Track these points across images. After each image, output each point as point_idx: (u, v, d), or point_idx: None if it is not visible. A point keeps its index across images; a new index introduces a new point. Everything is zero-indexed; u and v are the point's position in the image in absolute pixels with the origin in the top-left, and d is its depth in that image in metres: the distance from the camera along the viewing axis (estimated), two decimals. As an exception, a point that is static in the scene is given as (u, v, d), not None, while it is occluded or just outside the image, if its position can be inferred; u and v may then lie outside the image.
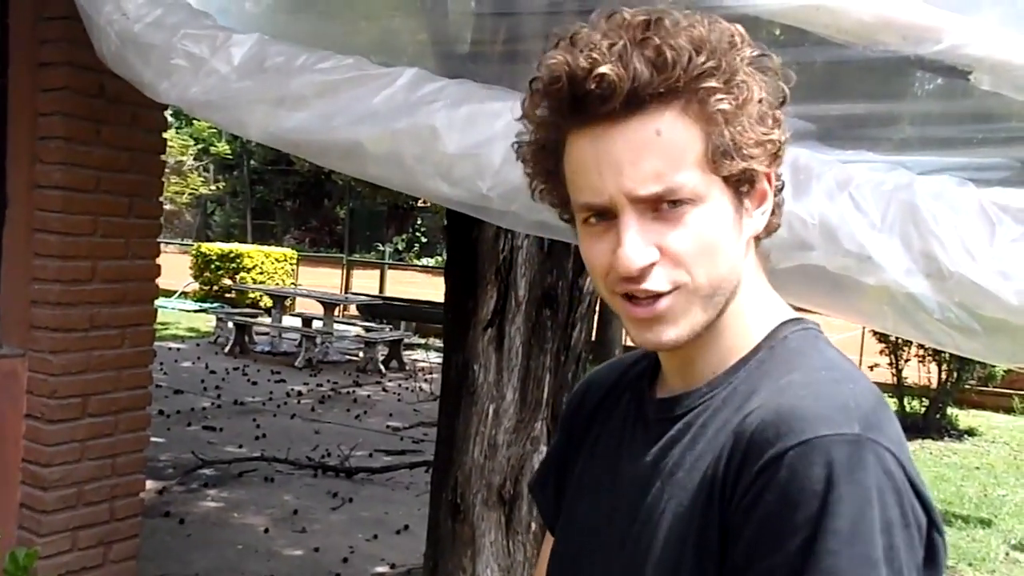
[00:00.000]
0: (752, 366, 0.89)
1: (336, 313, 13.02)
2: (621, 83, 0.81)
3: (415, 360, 12.49)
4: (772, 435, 0.78)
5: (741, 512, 0.78)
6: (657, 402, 0.95)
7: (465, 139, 1.91)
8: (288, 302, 14.09)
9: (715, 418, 0.87)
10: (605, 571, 0.94)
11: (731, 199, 0.87)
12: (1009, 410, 11.22)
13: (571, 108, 0.84)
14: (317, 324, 12.41)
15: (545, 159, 0.91)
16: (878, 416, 0.80)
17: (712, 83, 0.82)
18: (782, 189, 0.94)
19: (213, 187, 28.27)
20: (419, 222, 26.04)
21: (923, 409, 9.73)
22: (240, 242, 21.00)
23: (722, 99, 0.82)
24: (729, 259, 0.87)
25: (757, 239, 0.93)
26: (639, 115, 0.82)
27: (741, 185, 0.87)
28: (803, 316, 0.94)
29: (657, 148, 0.83)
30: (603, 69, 0.80)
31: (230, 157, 27.58)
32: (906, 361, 9.92)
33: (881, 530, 0.74)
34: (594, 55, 0.81)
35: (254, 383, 10.10)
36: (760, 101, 0.85)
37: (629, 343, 6.08)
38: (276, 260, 17.55)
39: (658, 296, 0.86)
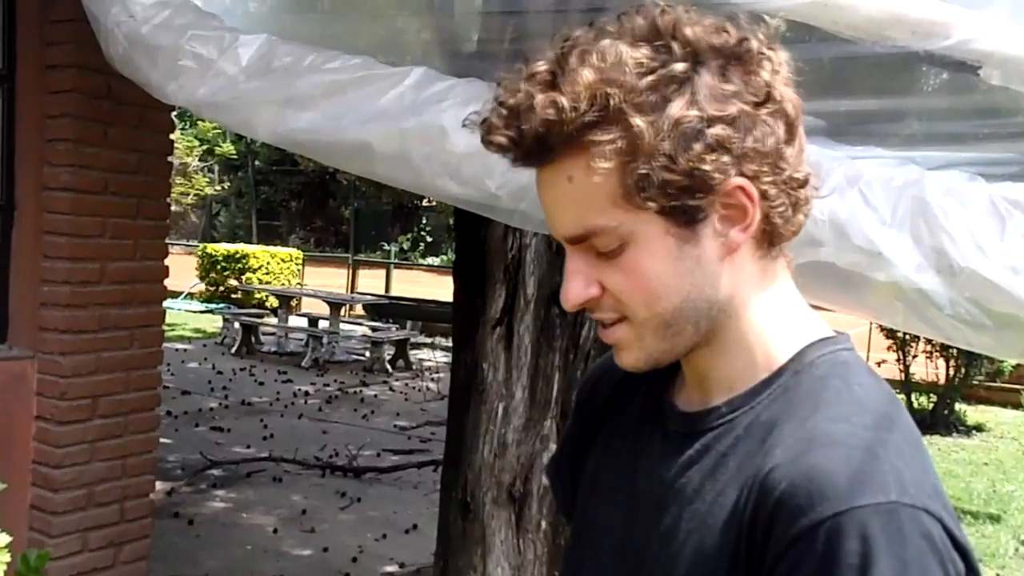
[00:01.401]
0: (776, 391, 0.86)
1: (342, 313, 13.04)
2: (515, 146, 0.83)
3: (421, 359, 12.49)
4: (805, 502, 0.75)
5: None
6: (678, 415, 0.93)
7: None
8: (294, 302, 14.11)
9: (736, 449, 0.85)
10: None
11: (672, 231, 0.83)
12: (1017, 406, 11.19)
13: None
14: (323, 324, 12.41)
15: None
16: (913, 470, 0.77)
17: (599, 133, 0.80)
18: (801, 185, 0.87)
19: (218, 188, 28.30)
20: (424, 221, 26.04)
21: (931, 405, 9.71)
22: (245, 243, 21.02)
23: (607, 145, 0.80)
24: (680, 289, 0.84)
25: (771, 246, 0.88)
26: (554, 163, 0.83)
27: (681, 216, 0.82)
28: (834, 336, 0.90)
29: (571, 194, 0.83)
30: (495, 138, 0.84)
31: (235, 158, 27.60)
32: (914, 357, 9.89)
33: None
34: (492, 119, 0.84)
35: (261, 383, 10.12)
36: (679, 123, 0.79)
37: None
38: (282, 260, 17.57)
39: (609, 325, 0.89)
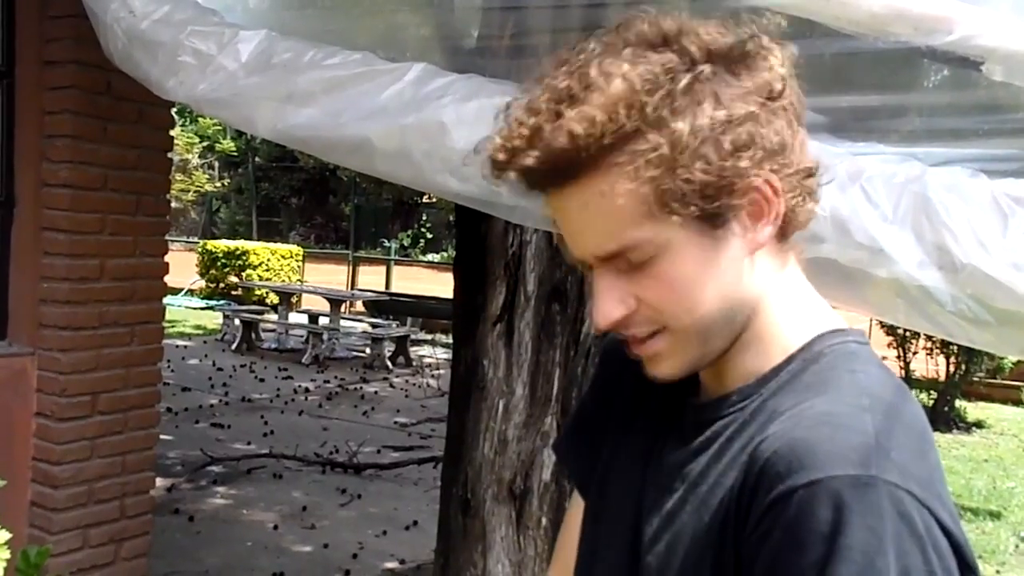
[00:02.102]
0: (783, 378, 0.86)
1: (342, 309, 13.05)
2: (543, 167, 0.81)
3: (422, 356, 12.50)
4: (783, 469, 0.75)
5: (752, 545, 0.77)
6: (693, 406, 0.94)
7: (474, 134, 1.90)
8: (294, 299, 14.11)
9: (742, 433, 0.85)
10: (624, 563, 0.94)
11: (705, 233, 0.83)
12: (1018, 402, 11.19)
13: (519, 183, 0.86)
14: (323, 321, 12.41)
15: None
16: (904, 453, 0.76)
17: (639, 143, 0.79)
18: (810, 175, 0.88)
19: (218, 184, 28.31)
20: (424, 218, 26.02)
21: (931, 402, 9.70)
22: (246, 239, 21.03)
23: (649, 153, 0.80)
24: (717, 291, 0.85)
25: (784, 238, 0.89)
26: (579, 181, 0.82)
27: (713, 219, 0.83)
28: (846, 328, 0.89)
29: (603, 210, 0.82)
30: (521, 161, 0.82)
31: (235, 154, 27.59)
32: (914, 354, 9.91)
33: None
34: (514, 143, 0.82)
35: (261, 380, 10.12)
36: (713, 125, 0.80)
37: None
38: (282, 257, 17.57)
39: (645, 339, 0.87)
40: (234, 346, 12.00)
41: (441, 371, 10.50)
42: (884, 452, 0.75)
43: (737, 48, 0.83)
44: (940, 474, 0.80)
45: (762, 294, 0.88)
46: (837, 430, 0.77)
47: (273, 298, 14.95)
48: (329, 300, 12.51)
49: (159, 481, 4.70)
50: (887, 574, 0.71)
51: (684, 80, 0.80)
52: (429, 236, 25.66)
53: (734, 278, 0.86)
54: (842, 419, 0.78)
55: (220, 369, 10.46)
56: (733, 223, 0.84)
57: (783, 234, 0.88)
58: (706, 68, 0.81)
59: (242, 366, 10.83)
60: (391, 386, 10.40)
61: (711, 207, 0.82)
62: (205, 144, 26.06)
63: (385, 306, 14.56)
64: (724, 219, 0.83)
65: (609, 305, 0.86)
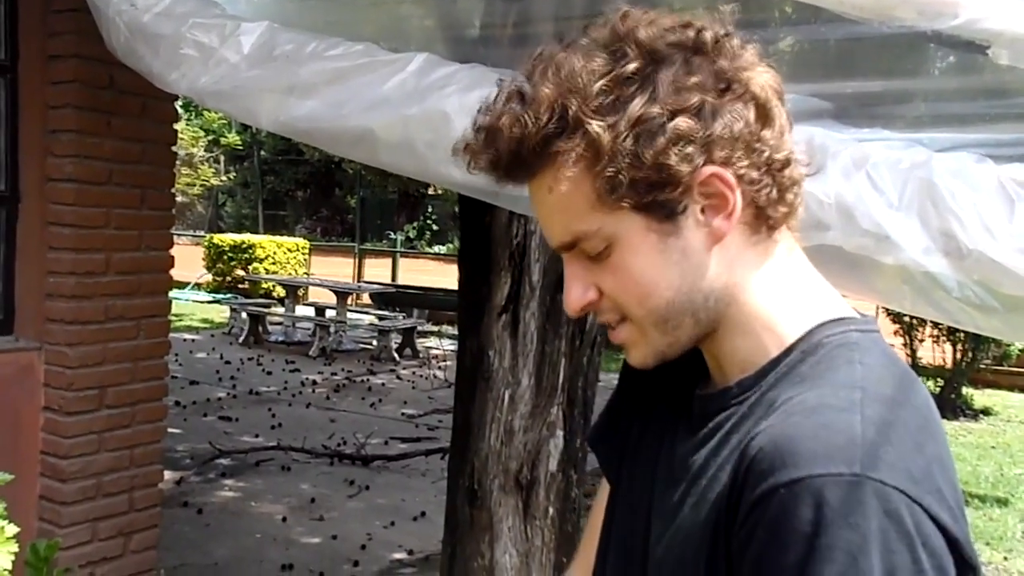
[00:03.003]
0: (781, 370, 0.86)
1: (349, 302, 13.05)
2: (495, 166, 0.87)
3: (428, 347, 12.51)
4: (767, 467, 0.75)
5: (739, 543, 0.76)
6: (698, 397, 0.94)
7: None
8: (301, 292, 14.13)
9: (740, 427, 0.85)
10: (637, 552, 0.96)
11: (654, 227, 0.85)
12: (1024, 389, 11.18)
13: None
14: (330, 313, 12.43)
15: None
16: (896, 448, 0.74)
17: (563, 143, 0.83)
18: (784, 166, 0.87)
19: (224, 178, 28.29)
20: (430, 210, 25.99)
21: (938, 389, 9.69)
22: (252, 233, 21.05)
23: (572, 152, 0.83)
24: (671, 282, 0.86)
25: (770, 229, 0.88)
26: (535, 176, 0.87)
27: (658, 211, 0.84)
28: (851, 316, 0.88)
29: (554, 204, 0.87)
30: (478, 161, 0.88)
31: (240, 148, 27.59)
32: (920, 341, 9.89)
33: None
34: (471, 144, 0.88)
35: (269, 373, 10.14)
36: (640, 121, 0.81)
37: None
38: (288, 250, 17.59)
39: (615, 327, 0.91)
40: (241, 339, 12.02)
41: (448, 362, 10.51)
42: (872, 448, 0.73)
43: (689, 43, 0.84)
44: (942, 467, 0.77)
45: (738, 285, 0.88)
46: (823, 427, 0.76)
47: (280, 291, 14.98)
48: (336, 293, 12.52)
49: (168, 474, 4.72)
50: (871, 574, 0.70)
51: (604, 81, 0.82)
52: (435, 228, 25.65)
53: (693, 270, 0.86)
54: (830, 414, 0.77)
55: (228, 362, 10.48)
56: (687, 216, 0.85)
57: (767, 225, 0.88)
58: (635, 66, 0.82)
59: (249, 359, 10.85)
60: (398, 378, 10.42)
61: (647, 200, 0.84)
62: (210, 138, 26.05)
63: (391, 298, 14.57)
64: (672, 212, 0.85)
65: (574, 293, 0.90)
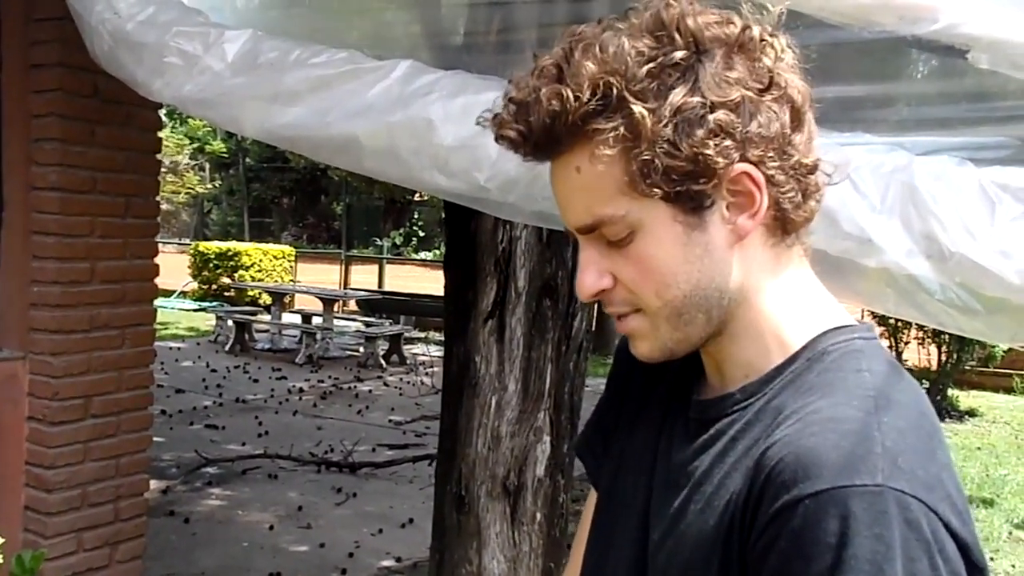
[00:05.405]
0: (787, 378, 0.86)
1: (335, 309, 13.02)
2: (524, 140, 0.86)
3: (415, 354, 12.49)
4: (789, 479, 0.75)
5: (757, 555, 0.76)
6: (696, 403, 0.94)
7: (461, 131, 1.90)
8: (287, 299, 14.08)
9: (746, 433, 0.85)
10: (632, 558, 0.95)
11: (680, 218, 0.84)
12: (1009, 390, 11.25)
13: None
14: (317, 320, 12.40)
15: None
16: (912, 458, 0.75)
17: (602, 122, 0.82)
18: (811, 171, 0.87)
19: (209, 186, 28.22)
20: (416, 216, 25.97)
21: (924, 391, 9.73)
22: (238, 240, 20.99)
23: (610, 133, 0.82)
24: (690, 276, 0.85)
25: (785, 233, 0.88)
26: (564, 154, 0.85)
27: (686, 202, 0.84)
28: (853, 324, 0.89)
29: (580, 184, 0.85)
30: (505, 132, 0.86)
31: (226, 156, 27.52)
32: (906, 343, 9.94)
33: None
34: (502, 115, 0.87)
35: (255, 381, 10.10)
36: (681, 110, 0.80)
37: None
38: (274, 257, 17.54)
39: (624, 316, 0.90)
40: (227, 347, 11.98)
41: (435, 369, 10.50)
42: (891, 458, 0.74)
43: (733, 38, 0.83)
44: (950, 472, 0.78)
45: (752, 287, 0.88)
46: (844, 437, 0.76)
47: (266, 299, 14.92)
48: (322, 300, 12.49)
49: (154, 483, 4.69)
50: None
51: (651, 65, 0.81)
52: (421, 234, 25.63)
53: (712, 267, 0.86)
54: (849, 425, 0.77)
55: (214, 370, 10.44)
56: (713, 211, 0.85)
57: (783, 229, 0.88)
58: (683, 54, 0.82)
59: (236, 367, 10.81)
60: (385, 385, 10.40)
61: (679, 190, 0.83)
62: (195, 145, 25.99)
63: (378, 305, 14.55)
64: (700, 205, 0.84)
65: (588, 278, 0.89)
